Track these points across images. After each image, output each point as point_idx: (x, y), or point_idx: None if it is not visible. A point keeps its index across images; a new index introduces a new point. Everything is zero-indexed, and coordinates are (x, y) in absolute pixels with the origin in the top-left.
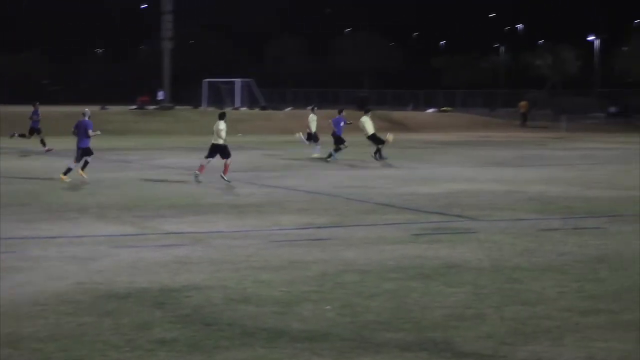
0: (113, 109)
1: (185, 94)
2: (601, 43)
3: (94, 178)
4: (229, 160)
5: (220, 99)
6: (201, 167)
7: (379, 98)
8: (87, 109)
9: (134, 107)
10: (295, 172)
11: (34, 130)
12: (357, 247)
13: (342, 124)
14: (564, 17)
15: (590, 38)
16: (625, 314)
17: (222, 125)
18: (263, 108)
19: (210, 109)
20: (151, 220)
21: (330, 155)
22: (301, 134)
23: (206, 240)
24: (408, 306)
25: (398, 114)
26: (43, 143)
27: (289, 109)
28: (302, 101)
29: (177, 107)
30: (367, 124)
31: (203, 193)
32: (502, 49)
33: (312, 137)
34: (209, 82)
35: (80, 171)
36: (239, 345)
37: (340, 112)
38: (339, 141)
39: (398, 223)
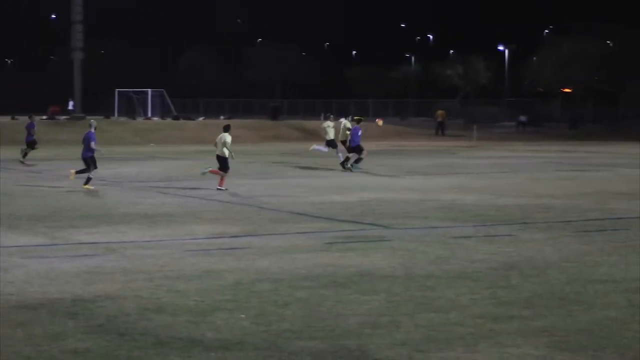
0: (23, 119)
1: (96, 104)
2: (511, 53)
3: (6, 190)
4: (225, 174)
5: (132, 109)
6: (221, 181)
7: (291, 108)
8: (93, 120)
9: (44, 117)
10: (209, 181)
11: (30, 143)
12: (271, 256)
13: (359, 132)
14: (474, 28)
15: (500, 48)
16: (537, 320)
17: (228, 138)
18: (175, 118)
19: (122, 119)
20: (63, 231)
21: (352, 166)
22: (315, 145)
23: (119, 250)
24: (322, 314)
25: (311, 124)
26: (25, 155)
27: (202, 118)
28: (215, 111)
29: (88, 117)
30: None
31: (116, 203)
32: (413, 59)
33: (331, 144)
34: (120, 92)
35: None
36: (153, 355)
37: (358, 122)
38: (357, 150)
39: (311, 232)
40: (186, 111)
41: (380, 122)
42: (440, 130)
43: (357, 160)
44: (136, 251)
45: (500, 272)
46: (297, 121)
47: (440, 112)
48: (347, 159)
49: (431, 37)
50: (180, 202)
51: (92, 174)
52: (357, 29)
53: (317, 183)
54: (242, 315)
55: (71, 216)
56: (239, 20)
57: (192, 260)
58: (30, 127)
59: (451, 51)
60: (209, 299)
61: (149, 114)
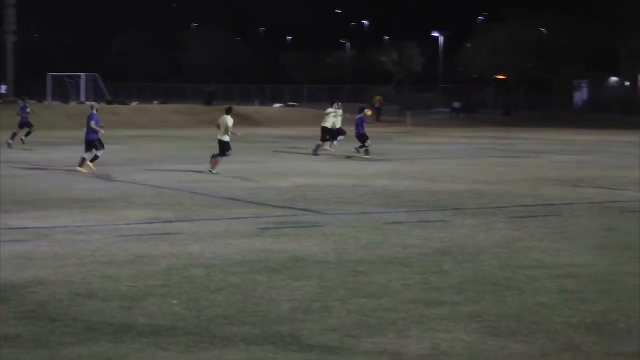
0: None
1: (29, 88)
2: (445, 40)
3: None
4: (221, 158)
5: (65, 93)
6: (215, 163)
7: (225, 93)
8: (94, 102)
9: None
10: (141, 166)
11: (24, 124)
12: (204, 241)
13: (364, 122)
14: (409, 14)
15: (434, 35)
16: (468, 305)
17: (230, 121)
18: (109, 102)
19: (55, 103)
20: None
21: (366, 152)
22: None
23: (51, 235)
24: (254, 300)
25: (245, 109)
26: (13, 136)
27: (135, 103)
28: (149, 96)
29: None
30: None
31: (48, 188)
32: (348, 45)
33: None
34: (53, 76)
35: (86, 165)
36: (85, 341)
37: (361, 110)
38: (363, 139)
39: (244, 217)
40: (120, 96)
41: (369, 112)
42: (378, 116)
43: (364, 148)
44: (68, 236)
45: (432, 257)
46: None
47: (377, 97)
48: (318, 146)
49: (366, 23)
50: (113, 187)
51: (88, 155)
52: (292, 14)
53: (250, 168)
54: (175, 301)
55: (2, 201)
56: (173, 5)
57: (124, 246)
58: (22, 110)
59: (386, 37)
60: (141, 284)
61: (82, 98)
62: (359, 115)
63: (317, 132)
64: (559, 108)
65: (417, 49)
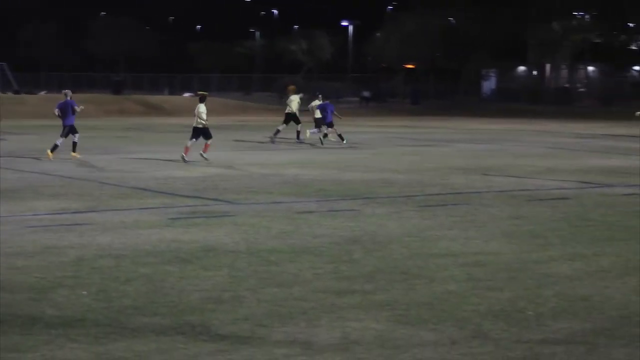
0: None
1: None
2: (354, 29)
3: None
4: (209, 141)
5: None
6: (186, 149)
7: (135, 82)
8: (68, 90)
9: None
10: (45, 156)
11: None
12: (113, 231)
13: (331, 110)
14: (318, 3)
15: (344, 24)
16: (378, 294)
17: (202, 108)
18: (16, 92)
19: None
20: None
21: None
22: (309, 130)
23: None
24: (165, 290)
25: (155, 98)
26: None
27: (43, 92)
28: (57, 85)
29: None
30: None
31: None
32: (258, 34)
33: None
34: None
35: (73, 153)
36: None
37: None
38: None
39: (154, 207)
40: (28, 86)
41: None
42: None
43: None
44: None
45: (343, 246)
46: (140, 96)
47: (291, 87)
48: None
49: (275, 12)
50: (22, 177)
51: (60, 142)
52: (201, 3)
53: (160, 158)
54: (84, 292)
55: None
56: None
57: (32, 237)
58: None
59: (295, 26)
60: (50, 275)
61: None
62: (327, 103)
63: (228, 122)
64: (467, 97)
65: (326, 38)
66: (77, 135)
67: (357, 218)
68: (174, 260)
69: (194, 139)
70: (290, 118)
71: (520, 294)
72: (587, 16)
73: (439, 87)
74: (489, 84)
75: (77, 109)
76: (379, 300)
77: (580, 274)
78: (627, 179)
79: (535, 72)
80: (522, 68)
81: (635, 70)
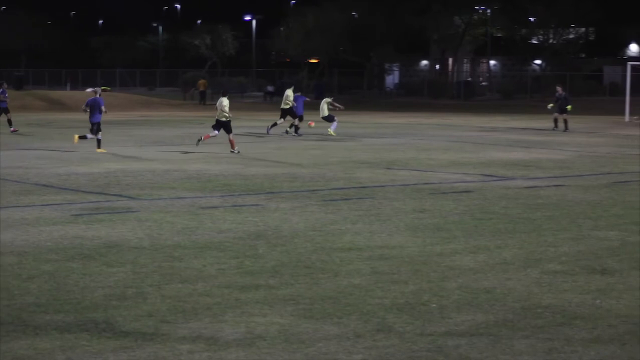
0: None
1: None
2: (258, 23)
3: None
4: (231, 136)
5: None
6: (206, 135)
7: (36, 77)
8: (98, 88)
9: None
10: None
11: (1, 111)
12: (15, 228)
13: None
14: None
15: (247, 18)
16: (283, 289)
17: (225, 102)
18: None
19: None
20: None
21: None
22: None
23: None
24: (68, 287)
25: (56, 94)
26: (10, 123)
27: None
28: None
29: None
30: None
31: None
32: (161, 28)
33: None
34: None
35: (98, 149)
36: None
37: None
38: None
39: (57, 204)
40: None
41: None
42: (202, 100)
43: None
44: None
45: (247, 241)
46: (42, 91)
47: (201, 81)
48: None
49: (178, 6)
50: None
51: (90, 136)
52: None
53: (61, 154)
54: None
55: None
56: None
57: None
58: (1, 94)
59: (199, 21)
60: None
61: None
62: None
63: (131, 117)
64: (371, 91)
65: (230, 32)
66: (100, 133)
67: (261, 213)
68: (77, 257)
69: (217, 131)
70: (287, 113)
71: (424, 286)
72: (488, 10)
73: (343, 82)
74: (393, 78)
75: (104, 109)
76: (283, 294)
77: (483, 267)
78: (528, 172)
79: (437, 66)
80: (424, 62)
81: (536, 64)
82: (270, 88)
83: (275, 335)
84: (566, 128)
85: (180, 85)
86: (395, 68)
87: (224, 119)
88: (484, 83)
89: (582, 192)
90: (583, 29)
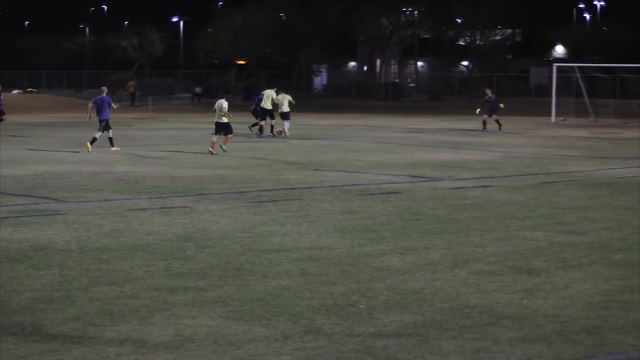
0: None
1: None
2: (185, 25)
3: None
4: (230, 136)
5: None
6: (212, 144)
7: None
8: (104, 87)
9: None
10: None
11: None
12: None
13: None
14: None
15: (174, 20)
16: (212, 291)
17: (224, 103)
18: None
19: None
20: None
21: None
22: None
23: None
24: None
25: None
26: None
27: None
28: None
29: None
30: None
31: None
32: (88, 30)
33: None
34: None
35: (113, 148)
36: None
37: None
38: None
39: None
40: None
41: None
42: (132, 102)
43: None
44: None
45: (175, 243)
46: None
47: (131, 83)
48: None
49: (105, 8)
50: None
51: (99, 135)
52: None
53: None
54: None
55: None
56: None
57: None
58: None
59: (126, 22)
60: None
61: None
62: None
63: (56, 119)
64: (299, 93)
65: (157, 34)
66: (111, 130)
67: (189, 215)
68: (4, 260)
69: (218, 134)
70: (267, 113)
71: (352, 287)
72: (415, 12)
73: (271, 83)
74: (321, 80)
75: (114, 106)
76: (212, 296)
77: (411, 267)
78: (456, 173)
79: (365, 68)
80: (352, 63)
81: (463, 65)
82: (198, 89)
83: (203, 338)
84: (500, 128)
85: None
86: (323, 69)
87: (224, 121)
88: (411, 84)
89: (509, 192)
90: (509, 31)
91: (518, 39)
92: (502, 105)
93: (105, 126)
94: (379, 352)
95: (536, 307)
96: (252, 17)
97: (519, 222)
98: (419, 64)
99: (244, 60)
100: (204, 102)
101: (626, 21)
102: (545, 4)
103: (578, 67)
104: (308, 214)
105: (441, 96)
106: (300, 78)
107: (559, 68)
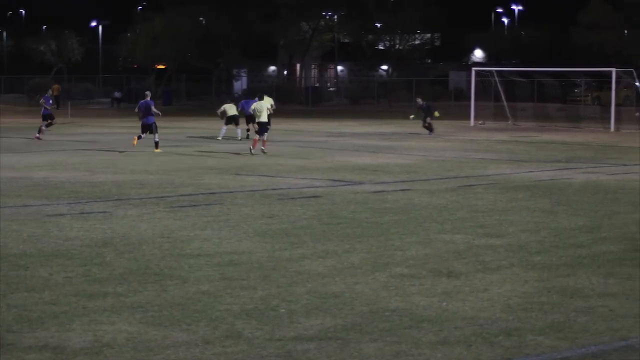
0: None
1: None
2: (104, 29)
3: None
4: (265, 136)
5: None
6: (254, 142)
7: None
8: (148, 92)
9: None
10: None
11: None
12: None
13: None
14: (67, 3)
15: (93, 24)
16: (131, 296)
17: (262, 104)
18: None
19: None
20: None
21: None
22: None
23: None
24: None
25: None
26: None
27: None
28: None
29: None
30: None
31: None
32: (5, 34)
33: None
34: None
35: (156, 150)
36: None
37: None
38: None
39: None
40: None
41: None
42: (57, 105)
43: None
44: None
45: (94, 249)
46: None
47: (55, 86)
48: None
49: (23, 12)
50: None
51: (157, 137)
52: None
53: None
54: None
55: None
56: None
57: None
58: (46, 100)
59: (44, 27)
60: None
61: None
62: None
63: None
64: (219, 97)
65: (76, 38)
66: (157, 134)
67: (108, 220)
68: None
69: (262, 135)
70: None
71: (273, 292)
72: (335, 16)
73: (191, 87)
74: (241, 84)
75: (155, 110)
76: (132, 302)
77: (331, 271)
78: (376, 177)
79: (285, 72)
80: (272, 68)
81: (383, 69)
82: (117, 94)
83: (123, 344)
84: (431, 132)
85: (26, 92)
86: (243, 74)
87: (264, 120)
88: (331, 89)
89: (429, 196)
90: (428, 35)
91: (437, 43)
92: (437, 114)
93: (155, 128)
94: (300, 356)
95: (455, 309)
96: (171, 22)
97: (438, 225)
98: (339, 68)
99: (164, 65)
100: (124, 107)
101: (544, 25)
102: (464, 8)
103: (496, 71)
104: (228, 219)
105: (361, 100)
106: (220, 82)
107: (477, 72)
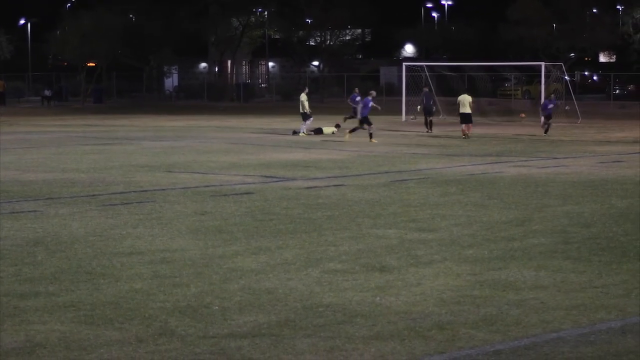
0: None
1: None
2: (33, 27)
3: None
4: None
5: None
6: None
7: None
8: (373, 91)
9: None
10: None
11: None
12: None
13: (370, 104)
14: None
15: (21, 22)
16: (63, 295)
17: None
18: None
19: None
20: None
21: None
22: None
23: None
24: None
25: None
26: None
27: None
28: None
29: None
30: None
31: None
32: None
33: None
34: None
35: (371, 140)
36: None
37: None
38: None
39: None
40: None
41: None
42: (2, 101)
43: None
44: None
45: (25, 248)
46: None
47: (0, 82)
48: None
49: None
50: None
51: (372, 129)
52: None
53: None
54: None
55: None
56: None
57: None
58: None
59: None
60: None
61: None
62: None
63: None
64: (151, 94)
65: (4, 36)
66: (371, 126)
67: (39, 219)
68: None
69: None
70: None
71: (206, 289)
72: (265, 12)
73: (121, 85)
74: (172, 81)
75: (370, 104)
76: (64, 301)
77: (264, 267)
78: (308, 172)
79: (216, 69)
80: (203, 64)
81: (314, 65)
82: (47, 92)
83: (55, 343)
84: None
85: None
86: (174, 71)
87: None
88: (263, 85)
89: (361, 191)
90: (359, 31)
91: (368, 38)
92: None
93: (368, 122)
94: (233, 353)
95: (389, 304)
96: (101, 19)
97: (371, 220)
98: (270, 64)
99: (93, 63)
100: (54, 105)
101: (472, 20)
102: (394, 3)
103: (427, 65)
104: (160, 216)
105: (292, 96)
106: (151, 80)
107: (408, 67)
